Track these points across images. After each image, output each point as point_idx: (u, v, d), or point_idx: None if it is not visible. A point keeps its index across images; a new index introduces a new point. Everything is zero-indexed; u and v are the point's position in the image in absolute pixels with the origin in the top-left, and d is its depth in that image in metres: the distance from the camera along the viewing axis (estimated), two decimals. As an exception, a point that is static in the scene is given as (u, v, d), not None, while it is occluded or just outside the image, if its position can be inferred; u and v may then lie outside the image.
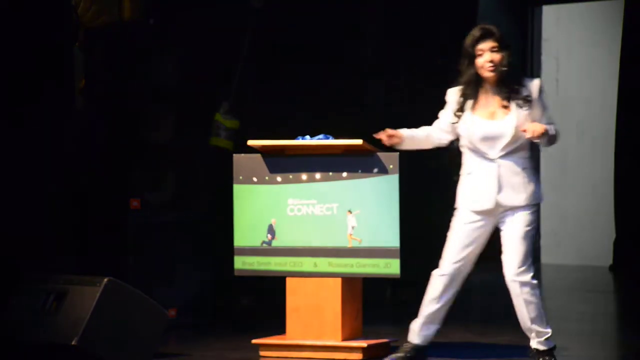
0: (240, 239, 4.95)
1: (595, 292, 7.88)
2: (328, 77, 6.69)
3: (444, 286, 4.44)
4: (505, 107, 4.32)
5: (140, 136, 5.96)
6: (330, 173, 4.86)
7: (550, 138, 4.30)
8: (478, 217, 4.38)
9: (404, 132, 4.54)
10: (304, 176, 4.90)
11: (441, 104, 7.42)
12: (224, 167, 5.36)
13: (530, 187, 4.33)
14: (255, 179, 4.94)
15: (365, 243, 4.81)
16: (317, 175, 4.88)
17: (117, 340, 4.48)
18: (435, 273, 4.48)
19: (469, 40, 4.34)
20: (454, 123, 4.42)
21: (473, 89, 4.37)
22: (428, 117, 7.05)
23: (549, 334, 4.31)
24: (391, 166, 4.80)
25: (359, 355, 4.77)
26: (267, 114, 6.45)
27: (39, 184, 5.22)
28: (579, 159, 10.26)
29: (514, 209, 4.32)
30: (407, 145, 4.56)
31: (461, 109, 4.39)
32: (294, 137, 4.94)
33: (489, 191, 4.33)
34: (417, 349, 4.52)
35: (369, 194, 4.80)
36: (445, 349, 5.12)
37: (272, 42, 6.59)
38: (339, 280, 4.85)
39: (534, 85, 4.34)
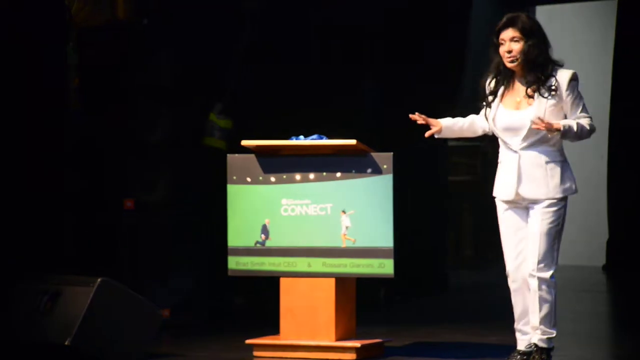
0: (234, 239, 4.95)
1: (588, 292, 7.90)
2: (323, 77, 6.70)
3: (514, 285, 4.33)
4: (530, 97, 4.24)
5: (135, 136, 5.96)
6: (324, 173, 4.86)
7: (573, 134, 4.19)
8: (509, 206, 4.32)
9: (444, 121, 4.48)
10: (297, 176, 4.90)
11: (434, 103, 7.43)
12: (218, 167, 5.36)
13: (554, 181, 4.22)
14: (249, 179, 4.94)
15: (359, 243, 4.81)
16: (311, 176, 4.88)
17: (110, 340, 4.48)
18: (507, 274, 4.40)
19: (495, 28, 4.28)
20: (484, 108, 4.36)
21: (501, 77, 4.30)
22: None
23: (553, 335, 4.30)
24: (385, 166, 4.80)
25: (353, 356, 4.77)
26: (262, 114, 6.45)
27: (32, 184, 5.21)
28: (572, 160, 10.27)
29: (536, 202, 4.25)
30: (447, 134, 4.50)
31: (491, 96, 4.33)
32: (288, 137, 4.94)
33: (510, 182, 4.28)
34: (524, 353, 4.38)
35: (362, 194, 4.81)
36: (436, 349, 5.13)
37: (267, 42, 6.59)
38: (332, 281, 4.85)
39: (564, 75, 4.23)
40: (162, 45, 6.03)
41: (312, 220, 4.85)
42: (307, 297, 4.86)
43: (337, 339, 4.84)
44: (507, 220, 4.34)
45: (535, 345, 4.31)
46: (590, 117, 4.29)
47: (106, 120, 5.93)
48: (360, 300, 5.09)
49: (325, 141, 4.88)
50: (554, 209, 4.24)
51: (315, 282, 4.86)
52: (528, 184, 4.26)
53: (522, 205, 4.31)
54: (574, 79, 4.25)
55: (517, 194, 4.28)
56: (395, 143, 5.55)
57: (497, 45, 4.28)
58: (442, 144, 7.60)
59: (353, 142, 4.79)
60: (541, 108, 4.23)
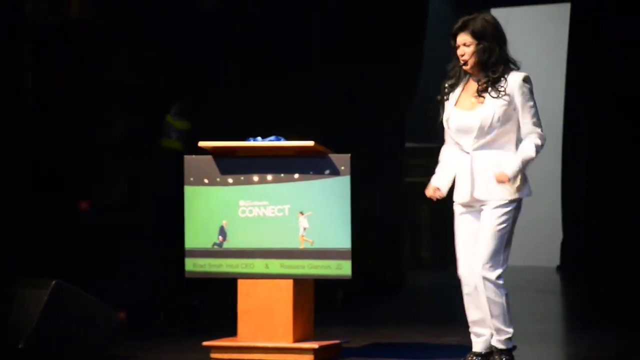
0: (191, 240, 4.92)
1: (543, 292, 7.99)
2: (280, 78, 6.69)
3: (467, 288, 4.33)
4: (481, 97, 4.26)
5: (91, 136, 5.90)
6: (282, 174, 4.85)
7: (525, 165, 4.21)
8: (466, 209, 4.33)
9: (442, 179, 4.40)
10: (255, 177, 4.88)
11: (394, 105, 7.43)
12: (176, 168, 5.33)
13: (504, 183, 4.22)
14: (206, 181, 4.92)
15: (317, 244, 4.81)
16: (269, 177, 4.87)
17: (65, 344, 4.43)
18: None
19: (450, 32, 4.31)
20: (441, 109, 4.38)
21: (458, 79, 4.33)
22: (381, 119, 7.04)
23: (510, 335, 4.33)
24: (342, 168, 4.81)
25: (310, 357, 4.77)
26: (219, 115, 6.44)
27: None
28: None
29: (488, 203, 4.26)
30: (449, 183, 4.42)
31: (445, 97, 4.35)
32: (245, 139, 4.92)
33: (464, 184, 4.30)
34: (480, 355, 4.38)
35: (320, 196, 4.81)
36: (394, 349, 5.14)
37: (224, 42, 6.57)
38: (290, 282, 4.85)
39: (515, 77, 4.23)
40: (120, 46, 5.98)
41: (270, 222, 4.84)
42: (264, 298, 4.84)
43: (295, 341, 4.83)
44: (462, 223, 4.35)
45: (495, 347, 4.34)
46: (541, 127, 4.27)
47: (62, 120, 5.87)
48: (318, 302, 5.09)
49: (283, 142, 4.87)
50: (505, 210, 4.25)
51: (273, 283, 4.85)
52: (481, 185, 4.28)
53: (477, 209, 4.33)
54: (525, 82, 4.25)
55: (472, 196, 4.30)
56: (353, 144, 5.56)
57: (455, 48, 4.32)
58: (400, 145, 7.64)
59: (311, 143, 4.79)
60: (490, 108, 4.24)
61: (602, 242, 8.50)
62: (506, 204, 4.26)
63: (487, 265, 4.24)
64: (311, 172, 4.82)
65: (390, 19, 7.28)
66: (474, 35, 4.26)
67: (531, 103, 4.27)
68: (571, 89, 8.94)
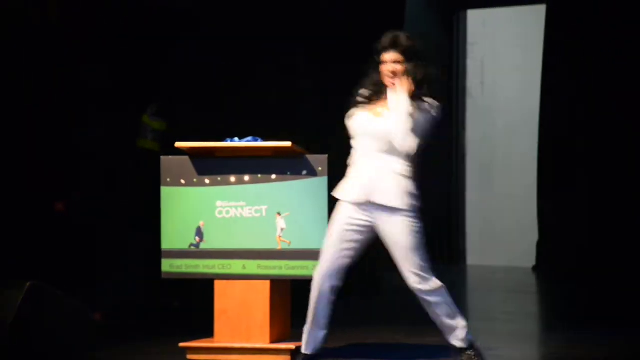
0: (168, 241, 4.91)
1: (519, 292, 8.04)
2: (258, 79, 6.69)
3: (320, 290, 4.38)
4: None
5: (69, 138, 5.88)
6: (259, 175, 4.85)
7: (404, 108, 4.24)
8: (355, 207, 4.34)
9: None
10: (232, 178, 4.88)
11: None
12: (153, 169, 5.32)
13: (407, 192, 4.29)
14: (183, 181, 4.91)
15: (295, 245, 4.81)
16: (246, 178, 4.87)
17: (41, 345, 4.40)
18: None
19: (378, 46, 4.36)
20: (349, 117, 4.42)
21: (375, 91, 4.38)
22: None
23: (464, 325, 4.35)
24: (320, 168, 4.81)
25: (287, 358, 4.77)
26: (196, 116, 6.42)
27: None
28: (504, 162, 10.46)
29: (391, 211, 4.29)
30: None
31: (360, 102, 4.39)
32: (222, 139, 4.91)
33: (360, 185, 4.32)
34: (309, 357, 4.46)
35: (298, 196, 4.81)
36: (370, 350, 5.16)
37: (200, 43, 6.56)
38: (267, 283, 4.85)
39: (427, 105, 4.30)
40: (99, 47, 5.96)
41: (247, 223, 4.84)
42: (241, 299, 4.84)
43: (272, 341, 4.83)
44: (344, 212, 4.33)
45: (455, 347, 4.36)
46: (409, 146, 4.27)
47: (40, 122, 5.84)
48: (295, 302, 5.09)
49: (260, 143, 4.87)
50: (413, 221, 4.30)
51: (250, 284, 4.85)
52: (381, 191, 4.30)
53: (369, 215, 4.31)
54: (435, 109, 4.29)
55: (367, 197, 4.29)
56: (330, 145, 5.57)
57: (378, 63, 4.34)
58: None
59: (288, 144, 4.79)
60: (400, 119, 4.24)
61: (578, 243, 8.57)
62: (413, 210, 4.29)
63: (419, 279, 4.29)
64: (289, 173, 4.82)
65: (366, 22, 7.29)
66: (407, 54, 4.31)
67: (420, 126, 4.27)
68: (547, 90, 9.01)
